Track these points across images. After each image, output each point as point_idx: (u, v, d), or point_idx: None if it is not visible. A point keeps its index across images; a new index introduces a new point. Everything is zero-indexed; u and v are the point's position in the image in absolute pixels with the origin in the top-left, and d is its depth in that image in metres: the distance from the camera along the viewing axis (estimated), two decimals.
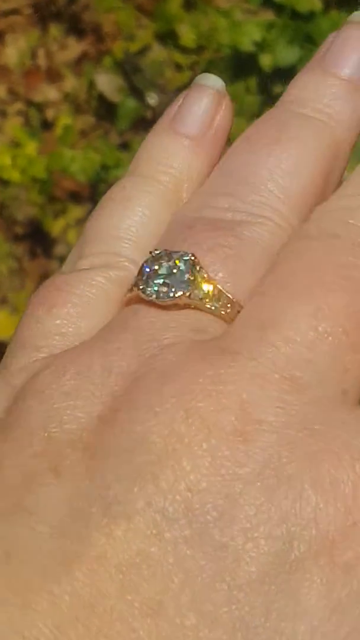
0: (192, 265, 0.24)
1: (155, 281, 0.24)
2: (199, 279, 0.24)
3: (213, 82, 0.29)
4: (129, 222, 0.26)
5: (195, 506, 0.21)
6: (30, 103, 1.02)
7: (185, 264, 0.24)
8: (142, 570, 0.20)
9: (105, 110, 1.02)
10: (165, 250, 0.24)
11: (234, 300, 0.24)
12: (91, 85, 1.02)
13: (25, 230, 0.99)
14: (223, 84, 0.29)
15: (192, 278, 0.24)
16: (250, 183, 0.26)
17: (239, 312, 0.23)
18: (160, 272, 0.24)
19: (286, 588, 0.20)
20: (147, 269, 0.24)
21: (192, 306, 0.23)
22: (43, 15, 1.03)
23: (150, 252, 0.24)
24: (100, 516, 0.20)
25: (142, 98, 1.01)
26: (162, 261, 0.24)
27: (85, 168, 0.98)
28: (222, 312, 0.23)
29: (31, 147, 1.00)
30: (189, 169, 0.28)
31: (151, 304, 0.23)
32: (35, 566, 0.20)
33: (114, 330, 0.23)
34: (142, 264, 0.24)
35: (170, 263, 0.24)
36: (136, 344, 0.23)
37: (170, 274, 0.24)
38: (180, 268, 0.24)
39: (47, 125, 1.01)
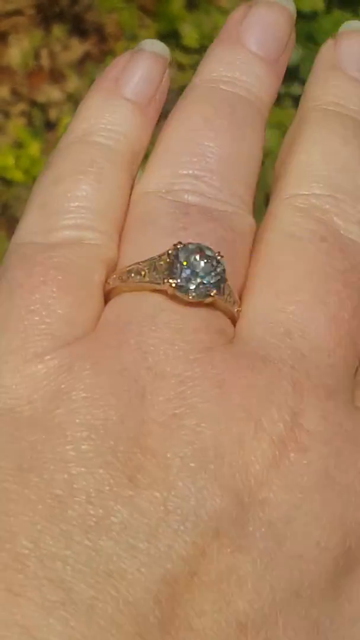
0: (219, 263, 0.23)
1: (196, 279, 0.23)
2: (223, 278, 0.23)
3: (159, 48, 0.28)
4: (99, 195, 0.25)
5: (269, 519, 0.20)
6: (33, 103, 1.02)
7: (216, 262, 0.23)
8: (232, 586, 0.20)
9: None
10: (196, 244, 0.23)
11: (237, 298, 0.24)
12: None
13: None
14: (167, 50, 0.28)
15: (222, 277, 0.23)
16: (218, 168, 0.25)
17: (238, 310, 0.23)
18: (198, 269, 0.23)
19: (344, 592, 0.21)
20: (182, 264, 0.23)
21: (213, 305, 0.23)
22: (46, 16, 1.03)
23: (175, 245, 0.23)
24: (188, 532, 0.20)
25: None
26: (196, 257, 0.23)
27: None
28: (234, 311, 0.23)
29: (34, 148, 1.00)
30: (139, 138, 0.27)
31: (176, 299, 0.23)
32: (141, 587, 0.19)
33: (143, 325, 0.22)
34: (172, 258, 0.23)
35: (205, 261, 0.23)
36: (172, 344, 0.22)
37: (204, 272, 0.23)
38: (215, 266, 0.23)
39: (50, 125, 1.02)
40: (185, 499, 0.20)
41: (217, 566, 0.20)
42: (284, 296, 0.23)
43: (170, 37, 1.01)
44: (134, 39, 1.01)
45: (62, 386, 0.21)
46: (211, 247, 0.23)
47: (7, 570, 0.19)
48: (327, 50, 0.28)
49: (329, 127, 0.26)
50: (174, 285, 0.23)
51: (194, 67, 0.29)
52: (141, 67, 0.27)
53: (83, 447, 0.21)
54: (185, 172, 0.25)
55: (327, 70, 0.27)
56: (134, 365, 0.22)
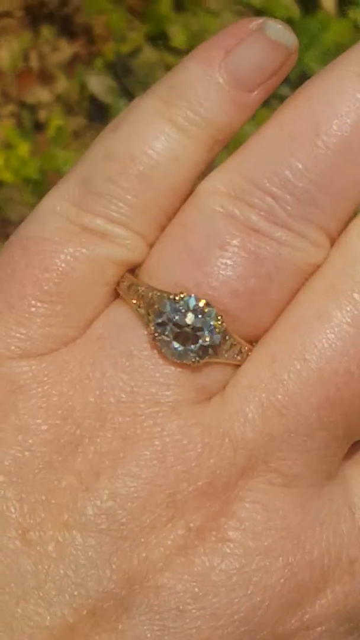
0: (222, 327, 0.21)
1: (179, 340, 0.20)
2: (224, 343, 0.21)
3: (282, 36, 0.23)
4: (150, 189, 0.22)
5: (158, 607, 0.19)
6: (22, 105, 1.02)
7: (216, 327, 0.21)
8: None
9: (97, 111, 1.02)
10: (195, 299, 0.20)
11: (249, 346, 0.21)
12: (83, 87, 1.02)
13: None
14: (293, 40, 0.23)
15: (218, 342, 0.21)
16: (305, 192, 0.21)
17: (250, 351, 0.21)
18: (186, 328, 0.21)
19: None
20: (168, 319, 0.21)
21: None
22: (35, 18, 1.03)
23: (175, 297, 0.21)
24: (60, 604, 0.19)
25: (133, 99, 1.01)
26: (188, 316, 0.21)
27: None
28: (235, 359, 0.21)
29: (24, 148, 1.00)
30: (227, 125, 0.23)
31: (161, 353, 0.21)
32: None
33: (116, 362, 0.20)
34: (163, 306, 0.20)
35: (197, 322, 0.20)
36: (135, 397, 0.20)
37: (196, 335, 0.21)
38: (212, 332, 0.21)
39: (39, 126, 1.02)
40: (70, 569, 0.19)
41: None
42: (281, 362, 0.21)
43: (159, 38, 1.01)
44: (122, 40, 1.02)
45: (3, 410, 0.20)
46: (232, 297, 0.21)
47: None
48: None
49: None
50: (159, 345, 0.21)
51: None
52: (257, 52, 0.23)
53: None
54: (264, 183, 0.22)
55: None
56: (83, 409, 0.20)
